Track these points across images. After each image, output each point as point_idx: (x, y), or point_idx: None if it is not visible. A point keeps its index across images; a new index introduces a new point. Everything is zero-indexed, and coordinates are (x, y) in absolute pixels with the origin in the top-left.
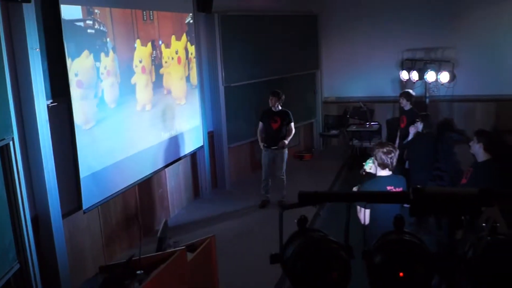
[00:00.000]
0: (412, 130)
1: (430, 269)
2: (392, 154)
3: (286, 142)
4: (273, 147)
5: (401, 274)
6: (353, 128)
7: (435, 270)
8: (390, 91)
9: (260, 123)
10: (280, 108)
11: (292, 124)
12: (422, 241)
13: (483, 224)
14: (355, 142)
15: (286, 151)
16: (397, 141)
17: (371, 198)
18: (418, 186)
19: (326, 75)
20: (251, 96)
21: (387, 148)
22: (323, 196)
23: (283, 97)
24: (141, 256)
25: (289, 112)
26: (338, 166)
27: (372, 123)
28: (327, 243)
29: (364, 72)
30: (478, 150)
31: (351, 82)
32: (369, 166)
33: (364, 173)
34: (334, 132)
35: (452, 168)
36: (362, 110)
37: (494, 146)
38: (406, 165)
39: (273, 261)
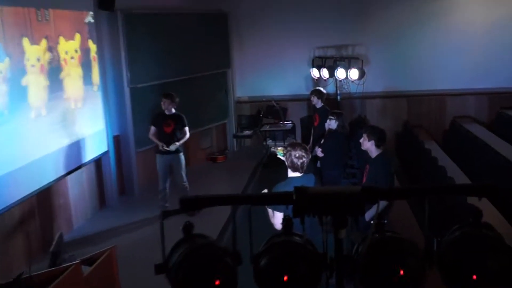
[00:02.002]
0: (326, 127)
1: (316, 269)
2: (304, 159)
3: (177, 144)
4: (167, 152)
5: (285, 277)
6: (267, 127)
7: (326, 270)
8: (303, 89)
9: (152, 127)
10: (173, 111)
11: (187, 128)
12: (309, 242)
13: (371, 222)
14: (269, 142)
15: (182, 155)
16: (311, 140)
17: (256, 200)
18: (326, 184)
19: (238, 74)
20: (159, 98)
21: (299, 153)
22: (205, 201)
23: (177, 99)
24: (33, 273)
25: (183, 116)
26: (252, 167)
27: (285, 122)
28: (211, 249)
29: (276, 71)
30: (370, 147)
31: (264, 80)
32: (281, 156)
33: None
34: (247, 132)
35: (364, 165)
36: (276, 109)
37: (384, 142)
38: (318, 164)
39: (158, 272)
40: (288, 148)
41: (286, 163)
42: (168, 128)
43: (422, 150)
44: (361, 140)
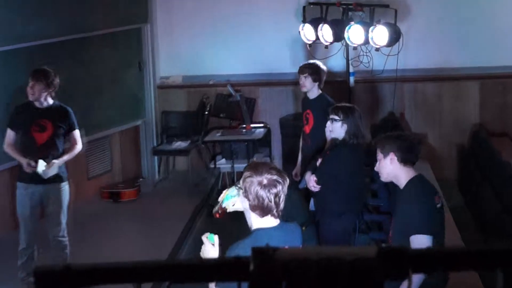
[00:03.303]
0: (327, 135)
1: None
2: (279, 188)
3: (58, 162)
4: (37, 179)
5: None
6: (217, 135)
7: None
8: (285, 64)
9: (10, 132)
10: (51, 102)
11: (77, 132)
12: None
13: None
14: (221, 162)
15: (65, 186)
16: (299, 159)
17: (179, 275)
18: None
19: (163, 35)
20: (22, 76)
21: (269, 177)
22: (84, 275)
23: (57, 80)
24: None
25: (70, 110)
26: (189, 211)
27: (253, 126)
28: None
29: (235, 30)
30: (392, 169)
31: (211, 49)
32: (232, 201)
33: (218, 214)
34: (180, 145)
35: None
36: (234, 100)
37: (414, 154)
38: (311, 205)
39: None
40: (247, 174)
41: (246, 202)
42: (41, 135)
43: (508, 179)
44: (379, 158)
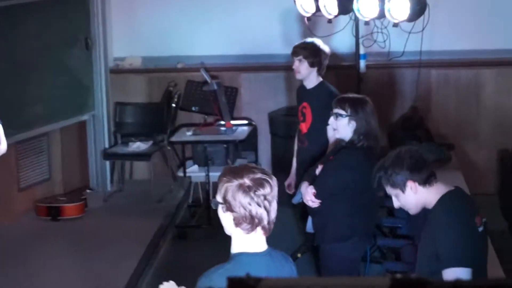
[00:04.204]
0: (330, 134)
1: None
2: (267, 189)
3: None
4: None
5: None
6: (188, 135)
7: None
8: (276, 44)
9: None
10: None
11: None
12: None
13: None
14: (193, 170)
15: None
16: (294, 166)
17: None
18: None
19: (118, 5)
20: None
21: (251, 175)
22: None
23: None
24: None
25: None
26: (151, 232)
27: (233, 123)
28: None
29: (212, 0)
30: (421, 197)
31: (179, 23)
32: None
33: None
34: (140, 146)
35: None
36: (209, 90)
37: (427, 170)
38: (309, 227)
39: None
40: (224, 179)
41: (230, 216)
42: None
43: None
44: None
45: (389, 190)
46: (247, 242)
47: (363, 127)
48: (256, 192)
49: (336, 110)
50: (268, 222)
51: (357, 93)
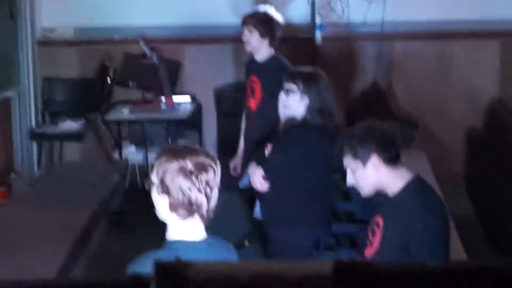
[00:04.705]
0: (281, 112)
1: None
2: (211, 175)
3: None
4: None
5: None
6: (125, 113)
7: None
8: (224, 13)
9: None
10: None
11: None
12: None
13: None
14: (130, 151)
15: None
16: (241, 146)
17: None
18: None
19: None
20: None
21: (194, 158)
22: None
23: None
24: None
25: None
26: (83, 219)
27: (175, 100)
28: None
29: None
30: (371, 173)
31: None
32: None
33: None
34: (71, 126)
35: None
36: (149, 64)
37: (394, 150)
38: (256, 212)
39: None
40: (163, 159)
41: (165, 199)
42: None
43: None
44: (346, 160)
45: (348, 161)
46: (184, 229)
47: (317, 104)
48: (198, 177)
49: (287, 86)
50: (207, 210)
51: (312, 67)
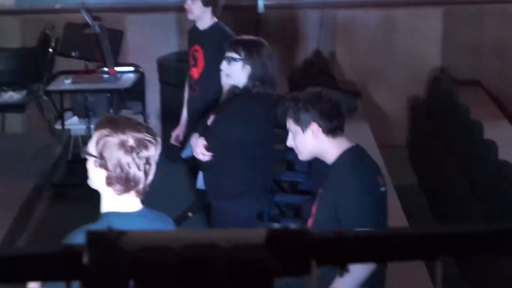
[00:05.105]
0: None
1: None
2: (151, 151)
3: None
4: None
5: None
6: (67, 83)
7: None
8: None
9: None
10: None
11: None
12: None
13: None
14: (72, 122)
15: None
16: (184, 115)
17: None
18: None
19: None
20: None
21: (136, 133)
22: None
23: None
24: None
25: None
26: (25, 191)
27: (118, 69)
28: None
29: None
30: (310, 141)
31: None
32: None
33: None
34: (12, 96)
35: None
36: (91, 33)
37: (339, 120)
38: (199, 184)
39: None
40: (104, 132)
41: (103, 172)
42: None
43: (478, 144)
44: (291, 124)
45: (290, 124)
46: (118, 202)
47: (259, 72)
48: (139, 154)
49: (229, 54)
50: (143, 187)
51: (255, 36)
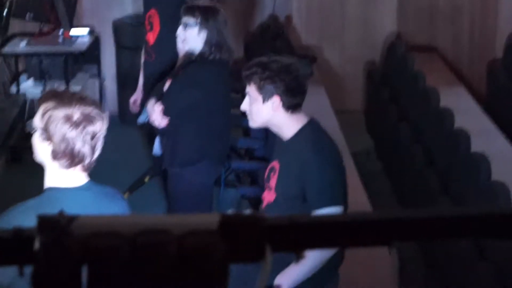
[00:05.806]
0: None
1: None
2: (98, 126)
3: None
4: None
5: None
6: (22, 46)
7: None
8: None
9: None
10: None
11: None
12: None
13: None
14: (27, 85)
15: None
16: (140, 81)
17: None
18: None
19: None
20: None
21: (82, 107)
22: None
23: None
24: None
25: None
26: None
27: (73, 32)
28: None
29: None
30: (272, 117)
31: None
32: None
33: None
34: None
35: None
36: None
37: (301, 95)
38: (156, 150)
39: None
40: (49, 105)
41: (48, 146)
42: None
43: (433, 111)
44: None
45: (252, 90)
46: (63, 176)
47: (215, 38)
48: (85, 129)
49: (185, 19)
50: (89, 162)
51: (210, 1)
